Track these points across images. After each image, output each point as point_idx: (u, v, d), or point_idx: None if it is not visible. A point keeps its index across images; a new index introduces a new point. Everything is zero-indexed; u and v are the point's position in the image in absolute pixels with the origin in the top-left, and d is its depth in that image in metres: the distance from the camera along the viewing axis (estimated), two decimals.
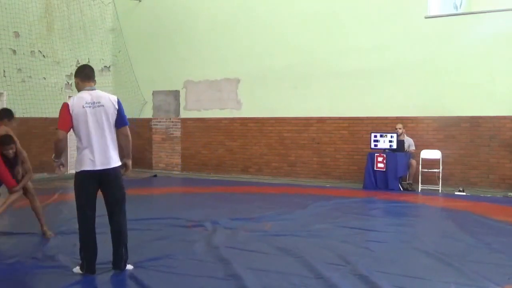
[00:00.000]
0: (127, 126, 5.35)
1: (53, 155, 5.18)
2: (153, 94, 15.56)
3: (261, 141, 13.95)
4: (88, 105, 5.06)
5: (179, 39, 15.05)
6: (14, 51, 13.39)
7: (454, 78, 11.57)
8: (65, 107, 5.07)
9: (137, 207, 9.29)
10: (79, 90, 5.28)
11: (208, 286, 4.88)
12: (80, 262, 5.21)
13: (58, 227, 7.35)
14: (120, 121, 5.26)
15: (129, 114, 15.88)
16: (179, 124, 15.18)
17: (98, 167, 5.06)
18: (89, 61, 15.24)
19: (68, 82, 14.68)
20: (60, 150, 5.14)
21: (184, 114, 15.10)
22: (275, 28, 13.62)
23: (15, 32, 13.45)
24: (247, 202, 9.95)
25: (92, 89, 5.22)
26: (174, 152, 15.25)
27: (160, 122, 15.51)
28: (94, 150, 5.04)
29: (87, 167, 5.03)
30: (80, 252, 5.19)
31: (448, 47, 11.68)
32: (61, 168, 5.24)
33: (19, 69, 13.48)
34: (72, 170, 5.75)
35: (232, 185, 12.22)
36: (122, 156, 5.31)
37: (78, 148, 5.10)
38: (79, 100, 5.08)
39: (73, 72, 14.61)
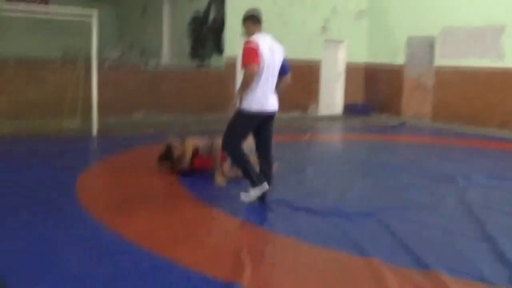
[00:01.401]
0: (289, 73, 5.61)
1: (239, 89, 5.28)
2: (407, 40, 15.03)
3: None
4: (271, 49, 5.25)
5: None
6: None
7: None
8: (255, 46, 5.14)
9: (385, 154, 9.30)
10: (250, 33, 5.36)
11: (459, 244, 4.61)
12: (252, 179, 5.40)
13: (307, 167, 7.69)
14: (286, 68, 5.52)
15: (381, 59, 15.87)
16: (433, 72, 14.48)
17: (271, 108, 5.37)
18: (345, 6, 15.35)
19: (324, 26, 14.99)
20: (251, 83, 5.16)
21: (438, 62, 14.33)
22: None
23: None
24: (505, 160, 9.15)
25: (265, 34, 5.33)
26: (425, 101, 14.66)
27: (412, 69, 14.99)
28: (269, 92, 5.31)
29: (263, 107, 5.30)
30: (250, 174, 5.39)
31: None
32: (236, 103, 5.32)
33: (279, 14, 14.15)
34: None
35: (488, 140, 11.33)
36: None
37: (253, 88, 5.21)
38: (264, 42, 5.21)
39: (330, 16, 15.00)
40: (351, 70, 15.90)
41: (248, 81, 5.16)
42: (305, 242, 4.49)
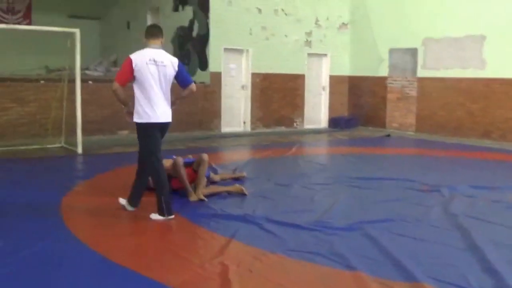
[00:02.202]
0: (193, 83, 5.76)
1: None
2: (390, 51, 15.18)
3: (507, 104, 12.74)
4: (151, 62, 5.40)
5: None
6: (260, 10, 14.17)
7: None
8: (129, 62, 5.39)
9: (370, 166, 9.32)
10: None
11: (445, 254, 4.65)
12: (161, 208, 5.48)
13: (293, 181, 7.72)
14: (185, 80, 5.69)
15: (364, 72, 16.02)
16: (416, 83, 14.62)
17: (160, 120, 5.48)
18: (328, 19, 15.49)
19: (307, 40, 15.11)
20: (119, 99, 5.48)
21: (421, 73, 14.48)
22: None
23: None
24: (489, 169, 9.24)
25: (157, 48, 5.54)
26: (409, 112, 14.79)
27: (395, 80, 15.12)
28: (158, 105, 5.43)
29: (151, 119, 5.44)
30: (161, 196, 5.47)
31: None
32: (129, 116, 5.59)
33: (264, 27, 14.26)
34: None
35: (472, 150, 11.44)
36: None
37: (137, 100, 5.45)
38: (143, 57, 5.42)
39: (313, 30, 15.15)
40: (335, 83, 16.01)
41: (116, 97, 5.49)
42: (292, 258, 4.48)
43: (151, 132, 5.52)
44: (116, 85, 5.40)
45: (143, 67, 5.39)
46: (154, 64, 5.43)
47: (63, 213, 5.72)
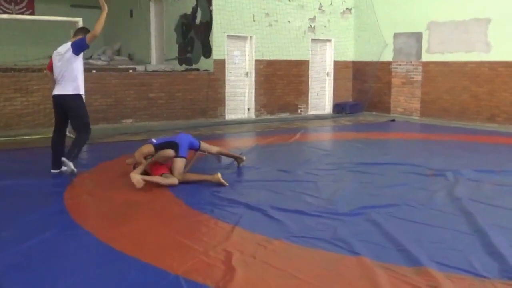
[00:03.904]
0: (86, 36, 6.87)
1: None
2: (394, 36, 15.07)
3: None
4: (56, 54, 7.07)
5: None
6: None
7: None
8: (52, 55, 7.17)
9: (375, 151, 9.30)
10: None
11: (450, 238, 4.65)
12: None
13: (297, 168, 7.70)
14: (78, 46, 6.87)
15: (369, 57, 15.87)
16: (420, 67, 14.53)
17: (55, 93, 7.01)
18: (331, 4, 15.38)
19: (311, 25, 15.03)
20: (50, 81, 7.56)
21: (426, 57, 14.39)
22: None
23: None
24: (494, 153, 9.19)
25: (66, 43, 7.09)
26: (414, 96, 14.71)
27: (400, 65, 15.03)
28: (58, 84, 6.99)
29: (52, 93, 7.06)
30: (78, 152, 7.01)
31: None
32: None
33: (267, 14, 14.18)
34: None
35: (477, 134, 11.39)
36: None
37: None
38: (56, 52, 7.10)
39: (316, 15, 15.06)
40: (340, 69, 15.94)
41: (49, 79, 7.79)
42: (296, 243, 4.49)
43: (54, 105, 7.15)
44: (46, 71, 7.58)
45: (54, 59, 7.08)
46: (58, 55, 7.03)
47: (67, 202, 5.75)
